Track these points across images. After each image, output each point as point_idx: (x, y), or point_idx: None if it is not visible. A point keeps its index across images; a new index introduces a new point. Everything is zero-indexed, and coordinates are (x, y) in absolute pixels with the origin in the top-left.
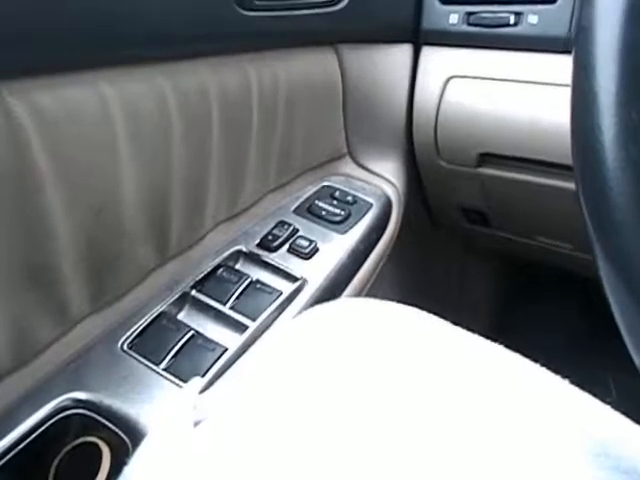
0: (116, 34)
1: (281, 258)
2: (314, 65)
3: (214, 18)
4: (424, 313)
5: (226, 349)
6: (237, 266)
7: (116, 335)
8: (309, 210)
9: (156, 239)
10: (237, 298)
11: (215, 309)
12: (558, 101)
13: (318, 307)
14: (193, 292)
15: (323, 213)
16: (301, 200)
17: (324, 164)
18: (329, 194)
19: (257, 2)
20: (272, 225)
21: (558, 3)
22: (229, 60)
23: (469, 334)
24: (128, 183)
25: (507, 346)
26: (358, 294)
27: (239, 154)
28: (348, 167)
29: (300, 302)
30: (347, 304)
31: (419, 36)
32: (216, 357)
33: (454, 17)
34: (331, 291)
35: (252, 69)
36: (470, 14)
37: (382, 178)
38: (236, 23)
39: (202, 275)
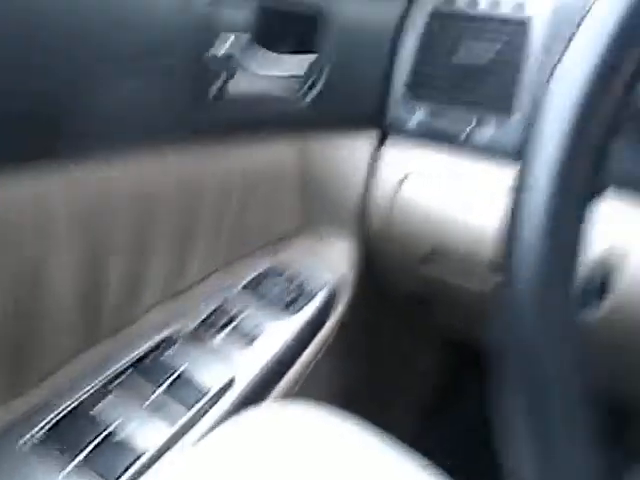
0: (64, 128)
1: (220, 343)
2: (275, 153)
3: (174, 110)
4: (350, 418)
5: (145, 451)
6: (171, 351)
7: (22, 430)
8: (256, 290)
9: (85, 321)
10: (164, 392)
11: (137, 404)
12: (504, 211)
13: (241, 414)
14: (116, 383)
15: (269, 295)
16: (249, 279)
17: (277, 242)
18: (277, 273)
19: (214, 101)
20: (215, 306)
21: (512, 123)
22: (186, 150)
23: (391, 442)
24: (59, 259)
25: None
26: (297, 382)
27: (186, 235)
28: (301, 246)
29: (233, 394)
30: (271, 410)
31: (382, 129)
32: (133, 459)
33: (418, 115)
34: (268, 381)
35: (210, 159)
36: (433, 115)
37: (333, 260)
38: (197, 116)
39: (129, 364)
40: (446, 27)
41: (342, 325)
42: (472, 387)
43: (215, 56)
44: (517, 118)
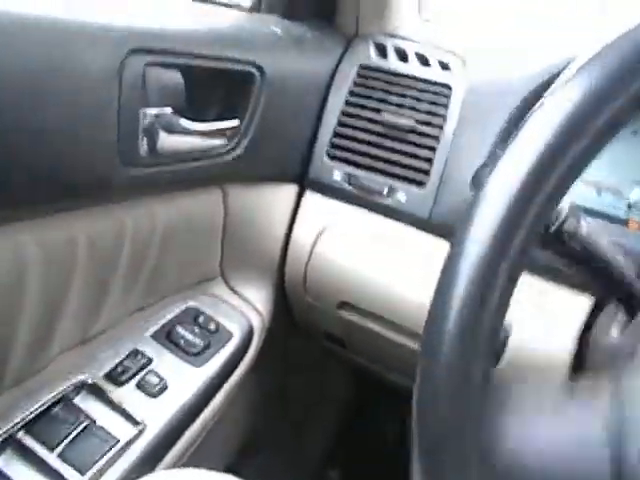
0: None
1: (127, 394)
2: (197, 205)
3: (95, 175)
4: None
5: None
6: (77, 399)
7: None
8: (168, 336)
9: None
10: (69, 444)
11: (40, 458)
12: (413, 273)
13: None
14: (20, 435)
15: (181, 342)
16: (162, 323)
17: (194, 284)
18: (192, 317)
19: (144, 159)
20: (125, 354)
21: (426, 188)
22: (105, 209)
23: None
24: None
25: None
26: (205, 429)
27: (101, 281)
28: (218, 289)
29: (138, 448)
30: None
31: (304, 183)
32: None
33: (337, 174)
34: (172, 434)
35: (129, 216)
36: (350, 177)
37: (249, 304)
38: (119, 179)
39: (34, 414)
40: (375, 82)
41: (253, 370)
42: (379, 423)
43: (145, 115)
44: (428, 190)
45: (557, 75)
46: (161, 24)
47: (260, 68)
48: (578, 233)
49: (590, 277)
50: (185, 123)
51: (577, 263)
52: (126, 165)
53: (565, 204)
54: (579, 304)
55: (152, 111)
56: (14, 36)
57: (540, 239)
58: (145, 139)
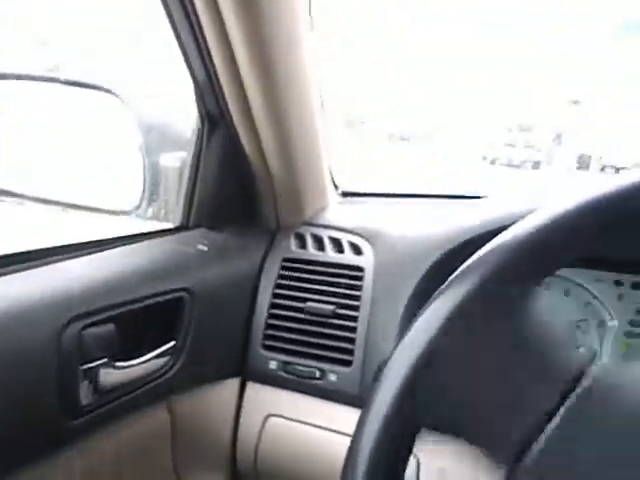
0: None
1: None
2: (146, 423)
3: (40, 432)
4: None
5: None
6: None
7: None
8: None
9: None
10: None
11: None
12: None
13: None
14: None
15: None
16: None
17: None
18: None
19: (87, 407)
20: None
21: (352, 367)
22: (54, 459)
23: None
24: None
25: None
26: None
27: None
28: None
29: None
30: None
31: (244, 375)
32: None
33: (273, 363)
34: None
35: (79, 459)
36: (285, 365)
37: None
38: (64, 431)
39: None
40: (297, 273)
41: None
42: None
43: (84, 370)
44: (355, 368)
45: (457, 249)
46: (96, 286)
47: (189, 290)
48: None
49: None
50: (122, 364)
51: None
52: (70, 417)
53: None
54: None
55: (90, 365)
56: None
57: None
58: (85, 390)
